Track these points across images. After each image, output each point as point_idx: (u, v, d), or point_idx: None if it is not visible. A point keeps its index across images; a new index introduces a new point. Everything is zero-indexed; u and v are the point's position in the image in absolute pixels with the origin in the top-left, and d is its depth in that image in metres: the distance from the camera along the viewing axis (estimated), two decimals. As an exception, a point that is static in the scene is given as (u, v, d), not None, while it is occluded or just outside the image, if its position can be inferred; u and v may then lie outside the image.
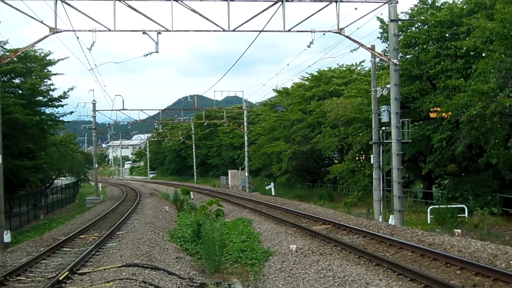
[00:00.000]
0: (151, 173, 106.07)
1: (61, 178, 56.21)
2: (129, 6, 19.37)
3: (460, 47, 24.65)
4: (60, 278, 11.49)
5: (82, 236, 19.59)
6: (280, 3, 19.59)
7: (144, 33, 19.93)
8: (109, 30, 19.61)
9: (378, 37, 28.65)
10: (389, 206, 23.39)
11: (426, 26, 26.30)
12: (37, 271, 13.30)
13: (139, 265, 12.28)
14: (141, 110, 47.86)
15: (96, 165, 50.85)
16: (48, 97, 34.54)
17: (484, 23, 20.98)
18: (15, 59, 27.78)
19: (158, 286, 10.70)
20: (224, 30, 19.98)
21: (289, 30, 20.51)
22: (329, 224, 19.31)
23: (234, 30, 20.23)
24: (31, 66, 32.41)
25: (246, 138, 50.56)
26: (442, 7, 27.03)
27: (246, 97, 54.50)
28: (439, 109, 23.42)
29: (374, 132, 24.52)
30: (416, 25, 27.15)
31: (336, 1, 19.89)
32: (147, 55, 20.87)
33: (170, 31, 19.74)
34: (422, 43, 26.29)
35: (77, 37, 21.56)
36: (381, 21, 27.42)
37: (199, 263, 14.98)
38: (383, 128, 24.34)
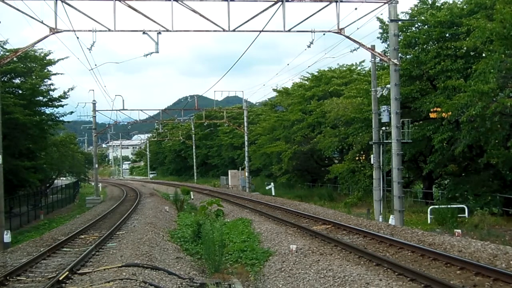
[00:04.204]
0: (151, 173, 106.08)
1: (61, 178, 56.21)
2: (129, 6, 19.37)
3: (460, 47, 24.65)
4: (60, 278, 11.49)
5: (82, 236, 19.60)
6: (280, 3, 19.59)
7: (144, 33, 19.93)
8: (109, 30, 19.61)
9: (378, 37, 28.66)
10: (389, 206, 23.39)
11: (426, 26, 26.29)
12: (37, 271, 13.30)
13: (139, 265, 12.28)
14: (141, 110, 47.96)
15: (96, 165, 50.84)
16: (48, 97, 34.51)
17: (484, 23, 20.96)
18: (15, 59, 27.76)
19: (158, 286, 10.71)
20: (224, 30, 19.99)
21: (289, 30, 20.52)
22: (329, 224, 19.31)
23: (234, 30, 20.23)
24: (31, 66, 32.40)
25: (246, 138, 50.56)
26: (442, 7, 27.01)
27: (246, 97, 54.59)
28: (439, 109, 23.41)
29: (374, 132, 24.53)
30: (416, 25, 27.14)
31: (336, 1, 19.89)
32: (147, 55, 20.88)
33: (170, 31, 19.75)
34: (422, 43, 26.28)
35: (77, 37, 21.58)
36: (381, 21, 27.42)
37: (199, 263, 14.98)
38: (383, 128, 24.34)
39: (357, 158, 32.16)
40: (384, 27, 27.20)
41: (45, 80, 33.72)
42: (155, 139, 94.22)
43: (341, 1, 19.96)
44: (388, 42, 24.18)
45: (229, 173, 55.20)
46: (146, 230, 19.43)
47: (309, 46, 21.27)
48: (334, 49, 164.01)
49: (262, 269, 13.71)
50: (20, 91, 31.22)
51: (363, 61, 45.54)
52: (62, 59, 34.60)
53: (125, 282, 10.47)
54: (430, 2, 27.75)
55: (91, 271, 12.43)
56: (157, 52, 20.25)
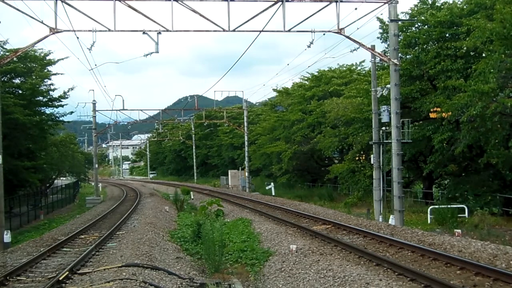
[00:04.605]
0: (151, 173, 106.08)
1: (61, 178, 56.21)
2: (129, 6, 19.37)
3: (460, 47, 24.63)
4: (60, 278, 11.49)
5: (82, 236, 19.59)
6: (280, 3, 19.59)
7: (144, 33, 19.93)
8: (109, 30, 19.61)
9: (378, 37, 28.66)
10: (389, 206, 23.39)
11: (426, 26, 26.28)
12: (37, 271, 13.30)
13: (139, 265, 12.28)
14: (141, 110, 47.97)
15: (96, 165, 50.84)
16: (48, 97, 34.55)
17: (484, 23, 20.96)
18: (15, 59, 27.77)
19: (158, 286, 10.71)
20: (224, 30, 19.99)
21: (289, 30, 20.52)
22: (329, 224, 19.31)
23: (234, 30, 20.23)
24: (31, 66, 32.41)
25: (246, 138, 50.56)
26: (442, 7, 27.01)
27: (246, 97, 54.65)
28: (439, 109, 23.41)
29: (374, 132, 24.53)
30: (416, 25, 27.14)
31: (336, 1, 19.90)
32: (147, 55, 20.89)
33: (170, 31, 19.75)
34: (422, 43, 26.27)
35: (77, 37, 21.60)
36: (381, 21, 27.42)
37: (199, 263, 14.98)
38: (383, 128, 24.34)
39: (357, 158, 32.15)
40: (384, 27, 27.20)
41: (45, 80, 33.76)
42: (155, 139, 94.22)
43: (341, 1, 19.96)
44: (388, 42, 24.18)
45: (229, 173, 55.18)
46: (146, 230, 19.43)
47: (309, 46, 21.27)
48: (334, 49, 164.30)
49: (262, 269, 13.71)
50: (20, 91, 31.23)
51: (363, 61, 45.61)
52: (62, 59, 34.68)
53: (125, 282, 10.47)
54: (430, 2, 27.75)
55: (91, 271, 12.43)
56: (157, 52, 20.26)
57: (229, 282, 12.39)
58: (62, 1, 19.09)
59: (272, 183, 43.42)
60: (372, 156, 24.79)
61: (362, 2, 20.10)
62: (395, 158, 20.63)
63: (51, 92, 34.52)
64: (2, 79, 28.29)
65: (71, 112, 38.02)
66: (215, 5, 32.59)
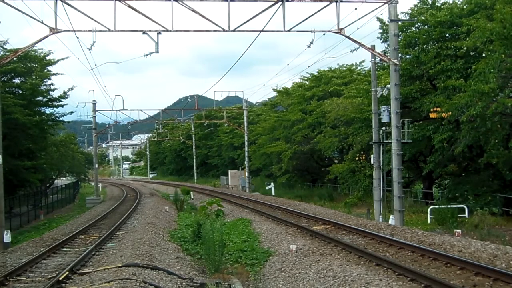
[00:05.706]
0: (151, 173, 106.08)
1: (61, 178, 56.20)
2: (129, 6, 19.38)
3: (460, 47, 24.64)
4: (60, 278, 11.49)
5: (82, 236, 19.60)
6: (280, 3, 19.60)
7: (144, 33, 19.94)
8: (109, 30, 19.61)
9: (378, 37, 28.67)
10: (389, 206, 23.39)
11: (426, 26, 26.29)
12: (37, 271, 13.31)
13: (139, 265, 12.28)
14: (141, 110, 47.94)
15: (96, 165, 50.85)
16: (48, 97, 34.57)
17: (484, 23, 20.97)
18: (15, 59, 27.76)
19: (158, 286, 10.71)
20: (224, 30, 19.99)
21: (289, 30, 20.52)
22: (329, 224, 19.31)
23: (234, 30, 20.23)
24: (31, 66, 32.42)
25: (246, 138, 50.56)
26: (442, 7, 27.02)
27: (246, 97, 54.63)
28: (439, 109, 23.41)
29: (374, 132, 24.53)
30: (416, 25, 27.14)
31: (336, 1, 19.90)
32: (147, 55, 20.90)
33: (170, 31, 19.76)
34: (422, 43, 26.28)
35: (77, 37, 21.60)
36: (381, 21, 27.43)
37: (199, 263, 14.98)
38: (383, 128, 24.34)
39: (357, 158, 32.16)
40: (384, 27, 27.20)
41: (45, 80, 33.77)
42: (155, 139, 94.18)
43: (341, 1, 19.97)
44: (388, 42, 24.19)
45: (229, 173, 55.18)
46: (146, 230, 19.43)
47: (309, 46, 21.28)
48: (334, 49, 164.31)
49: (262, 269, 13.71)
50: (20, 91, 31.24)
51: (363, 61, 45.65)
52: (62, 59, 34.68)
53: (125, 282, 10.47)
54: (430, 2, 27.75)
55: (91, 271, 12.44)
56: (157, 52, 20.26)
57: (229, 282, 12.39)
58: (62, 1, 19.09)
59: (272, 183, 43.42)
60: (372, 156, 24.79)
61: (362, 2, 20.10)
62: (395, 158, 20.63)
63: (51, 92, 34.59)
64: (2, 79, 28.27)
65: (71, 112, 38.07)
66: (215, 5, 32.59)
